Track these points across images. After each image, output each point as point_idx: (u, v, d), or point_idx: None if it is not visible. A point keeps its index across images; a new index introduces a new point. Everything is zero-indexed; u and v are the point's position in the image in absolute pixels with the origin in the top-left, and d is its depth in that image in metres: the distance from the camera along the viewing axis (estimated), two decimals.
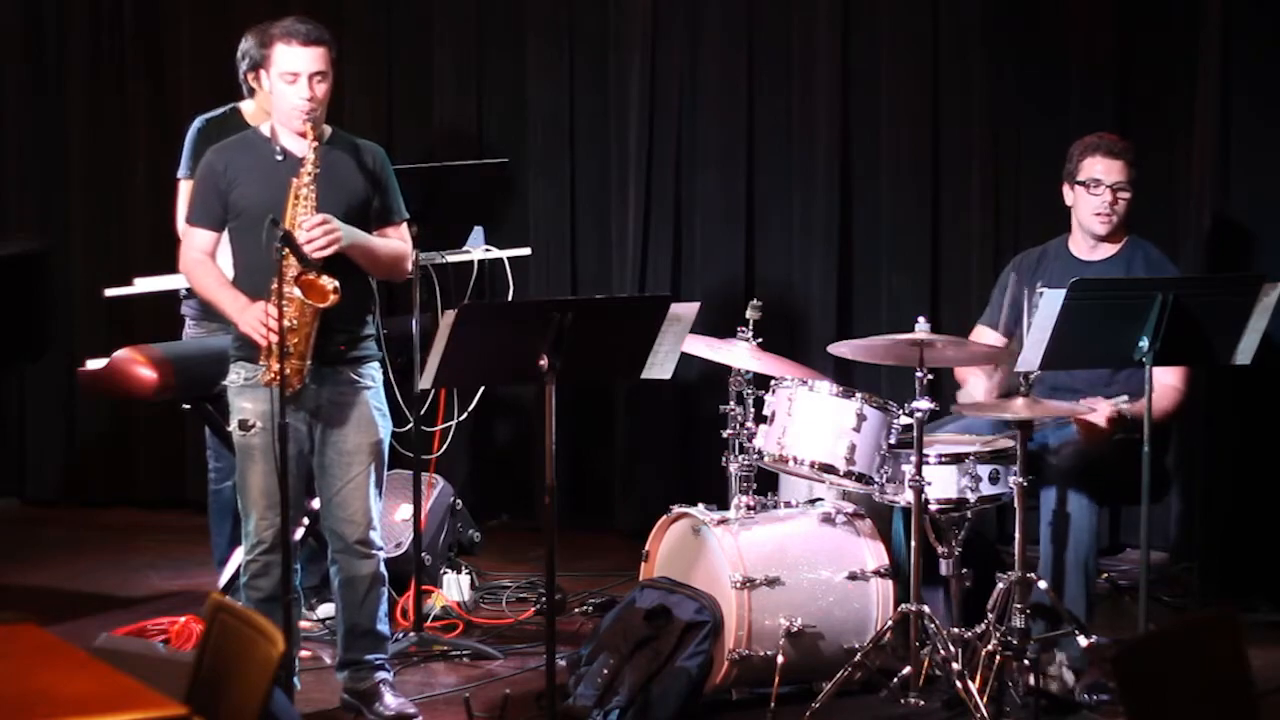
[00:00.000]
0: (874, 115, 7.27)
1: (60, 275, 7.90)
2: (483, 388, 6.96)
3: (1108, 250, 5.88)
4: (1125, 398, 5.65)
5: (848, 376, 6.66)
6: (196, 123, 6.28)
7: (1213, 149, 6.63)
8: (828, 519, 5.66)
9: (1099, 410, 5.63)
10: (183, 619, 5.85)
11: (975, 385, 5.87)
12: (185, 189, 6.08)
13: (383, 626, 5.45)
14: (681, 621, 5.39)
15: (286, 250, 4.95)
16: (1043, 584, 5.41)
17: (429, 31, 7.92)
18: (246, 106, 6.27)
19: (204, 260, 5.32)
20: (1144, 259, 5.85)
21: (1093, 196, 5.81)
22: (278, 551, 5.18)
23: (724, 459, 5.75)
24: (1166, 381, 5.65)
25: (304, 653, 5.75)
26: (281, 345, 4.97)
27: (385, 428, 5.38)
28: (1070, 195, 5.89)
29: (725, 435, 5.73)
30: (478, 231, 6.79)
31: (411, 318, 6.15)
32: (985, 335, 5.94)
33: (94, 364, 6.26)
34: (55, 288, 7.42)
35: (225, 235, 5.34)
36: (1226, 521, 6.65)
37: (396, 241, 5.38)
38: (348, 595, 5.39)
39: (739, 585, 5.43)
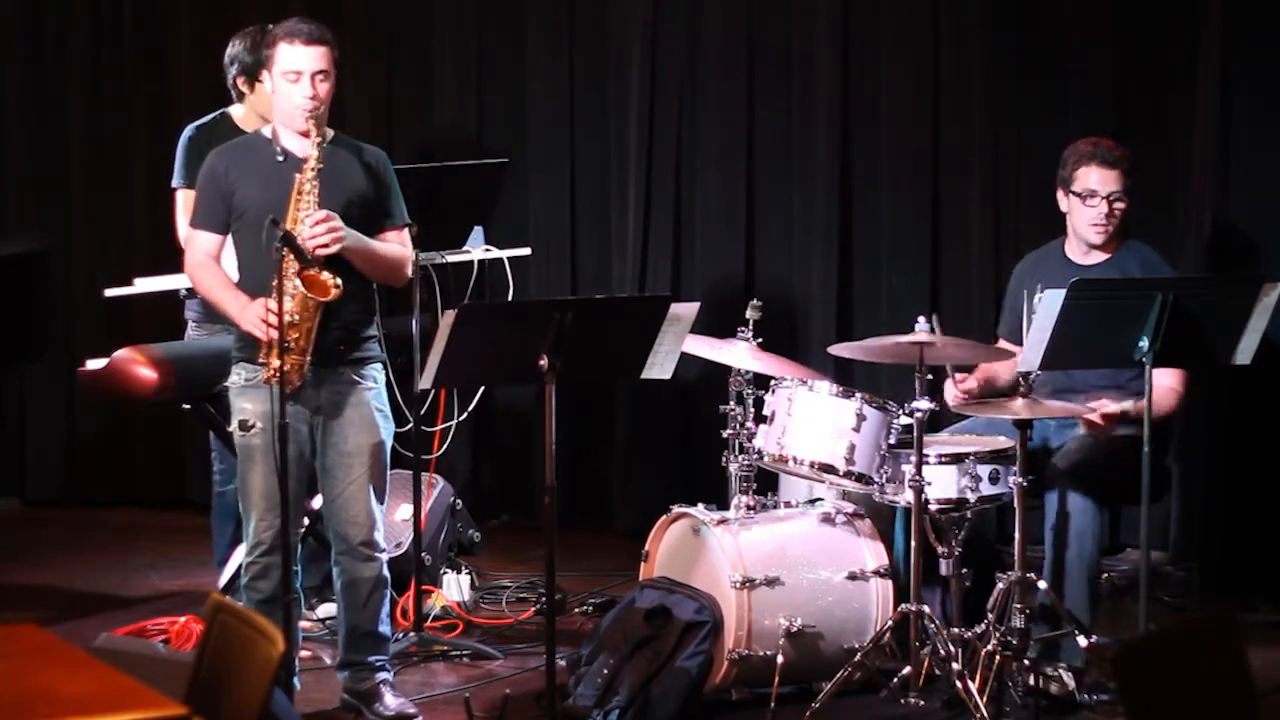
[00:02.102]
0: (874, 115, 7.27)
1: (60, 275, 7.91)
2: (483, 388, 6.96)
3: (1103, 255, 5.85)
4: (1130, 403, 5.63)
5: (848, 376, 6.67)
6: (187, 130, 6.27)
7: (1213, 149, 6.63)
8: (828, 519, 5.66)
9: (1099, 408, 5.62)
10: (183, 619, 5.84)
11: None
12: (182, 198, 6.07)
13: (384, 628, 5.44)
14: (681, 621, 5.40)
15: (286, 250, 4.95)
16: (1042, 584, 5.41)
17: (429, 31, 7.93)
18: (236, 111, 6.27)
19: (208, 263, 5.32)
20: (1140, 263, 5.80)
21: (1089, 208, 5.77)
22: (278, 553, 5.17)
23: (724, 459, 5.75)
24: (1165, 383, 5.63)
25: (304, 653, 5.75)
26: (282, 340, 4.97)
27: (387, 429, 5.37)
28: (1065, 202, 5.85)
29: (725, 435, 5.73)
30: (478, 231, 6.80)
31: (411, 318, 6.16)
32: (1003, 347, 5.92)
33: (94, 364, 6.26)
34: (55, 288, 7.42)
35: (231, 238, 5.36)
36: (1226, 521, 6.65)
37: (397, 246, 5.38)
38: (350, 597, 5.39)
39: (739, 585, 5.43)
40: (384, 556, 5.39)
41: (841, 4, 7.24)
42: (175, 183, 6.21)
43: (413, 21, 7.96)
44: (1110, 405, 5.62)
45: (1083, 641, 5.40)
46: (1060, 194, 5.86)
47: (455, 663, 5.99)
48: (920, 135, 7.19)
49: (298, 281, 5.00)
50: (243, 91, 6.21)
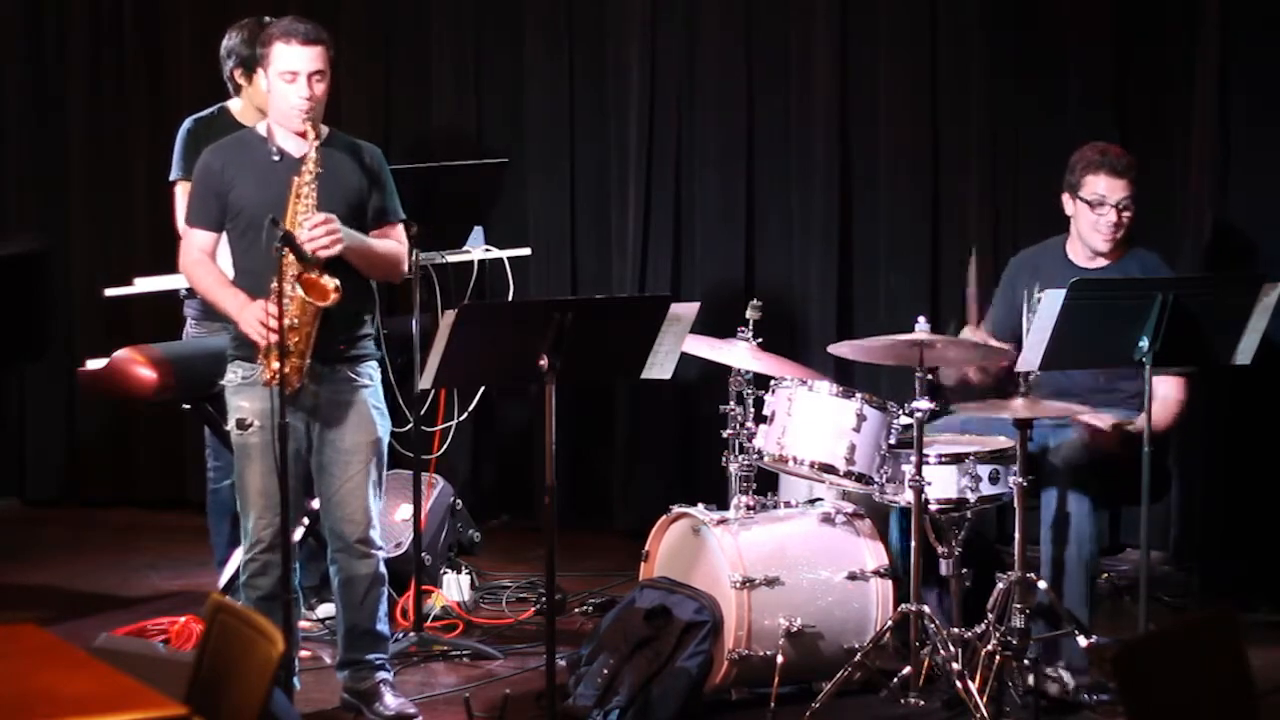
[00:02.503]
0: (872, 115, 7.27)
1: (60, 275, 7.91)
2: (483, 388, 6.96)
3: (1106, 260, 5.84)
4: (1134, 417, 5.61)
5: (848, 376, 6.66)
6: (186, 123, 6.27)
7: (1212, 149, 6.63)
8: (827, 519, 5.66)
9: (1104, 417, 5.62)
10: (183, 619, 5.85)
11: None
12: (181, 190, 6.08)
13: (383, 626, 5.44)
14: (681, 621, 5.40)
15: (286, 250, 4.95)
16: (1042, 584, 5.41)
17: (427, 31, 7.92)
18: (234, 105, 6.27)
19: (204, 260, 5.32)
20: (1140, 269, 5.80)
21: (1098, 215, 5.76)
22: (276, 551, 5.18)
23: (724, 459, 5.75)
24: (1168, 395, 5.63)
25: (304, 653, 5.75)
26: (282, 344, 4.97)
27: (384, 426, 5.37)
28: (1071, 206, 5.84)
29: (725, 435, 5.73)
30: (478, 231, 6.80)
31: (411, 318, 6.15)
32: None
33: (94, 364, 6.26)
34: (55, 288, 7.42)
35: (225, 236, 5.35)
36: (1226, 522, 6.66)
37: (393, 243, 5.38)
38: (347, 595, 5.39)
39: (739, 585, 5.43)
40: (381, 554, 5.39)
41: (840, 3, 7.25)
42: (174, 175, 6.21)
43: (411, 21, 7.95)
44: (1110, 418, 5.62)
45: (1083, 641, 5.40)
46: (1066, 197, 5.84)
47: (455, 663, 5.99)
48: (919, 135, 7.19)
49: (298, 287, 5.00)
50: (239, 84, 6.21)
